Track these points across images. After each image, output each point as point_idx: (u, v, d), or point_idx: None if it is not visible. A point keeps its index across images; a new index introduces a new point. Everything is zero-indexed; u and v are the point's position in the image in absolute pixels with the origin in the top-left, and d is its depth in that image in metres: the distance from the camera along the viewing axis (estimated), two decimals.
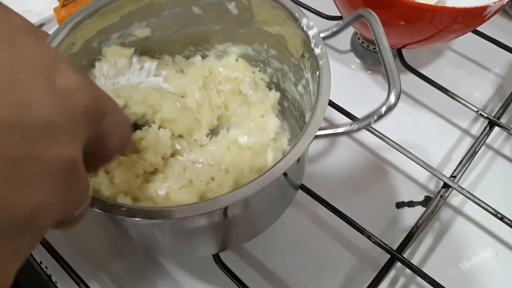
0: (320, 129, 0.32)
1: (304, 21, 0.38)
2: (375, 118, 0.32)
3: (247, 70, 0.49)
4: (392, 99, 0.32)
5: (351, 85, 0.63)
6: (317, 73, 0.35)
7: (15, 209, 0.16)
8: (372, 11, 0.37)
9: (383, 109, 0.32)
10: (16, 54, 0.18)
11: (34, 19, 0.70)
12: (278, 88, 0.50)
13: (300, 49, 0.40)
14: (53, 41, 0.37)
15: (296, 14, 0.38)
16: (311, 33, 0.37)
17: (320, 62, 0.35)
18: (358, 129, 0.32)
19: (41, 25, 0.70)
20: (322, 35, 0.39)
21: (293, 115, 0.49)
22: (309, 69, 0.40)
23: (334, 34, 0.39)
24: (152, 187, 0.40)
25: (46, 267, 0.47)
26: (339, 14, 0.60)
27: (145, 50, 0.47)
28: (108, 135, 0.23)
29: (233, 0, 0.43)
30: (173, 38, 0.48)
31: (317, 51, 0.36)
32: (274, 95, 0.49)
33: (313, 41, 0.37)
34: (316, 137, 0.32)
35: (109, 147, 0.23)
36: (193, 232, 0.37)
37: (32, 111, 0.17)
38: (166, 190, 0.39)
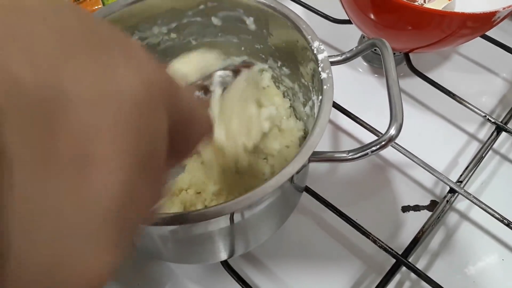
0: (316, 153, 0.32)
1: (315, 44, 0.38)
2: (373, 149, 0.32)
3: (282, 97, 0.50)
4: (393, 131, 0.32)
5: (357, 88, 0.63)
6: (320, 97, 0.36)
7: (108, 204, 0.15)
8: (385, 40, 0.37)
9: (383, 142, 0.32)
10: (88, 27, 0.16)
11: None
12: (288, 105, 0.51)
13: (310, 71, 0.41)
14: None
15: (309, 37, 0.39)
16: (320, 56, 0.37)
17: (325, 87, 0.35)
18: (353, 159, 0.32)
19: None
20: (333, 59, 0.39)
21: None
22: (315, 92, 0.40)
23: (345, 60, 0.39)
24: None
25: None
26: (347, 18, 0.60)
27: (163, 54, 0.48)
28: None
29: (251, 15, 0.44)
30: (192, 46, 0.49)
31: (323, 75, 0.36)
32: (302, 126, 0.48)
33: (321, 65, 0.37)
34: (310, 161, 0.32)
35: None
36: (200, 240, 0.37)
37: (117, 84, 0.15)
38: None
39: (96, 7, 0.64)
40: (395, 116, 0.32)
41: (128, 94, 0.15)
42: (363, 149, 0.32)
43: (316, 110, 0.38)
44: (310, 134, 0.32)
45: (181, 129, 0.19)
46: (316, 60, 0.38)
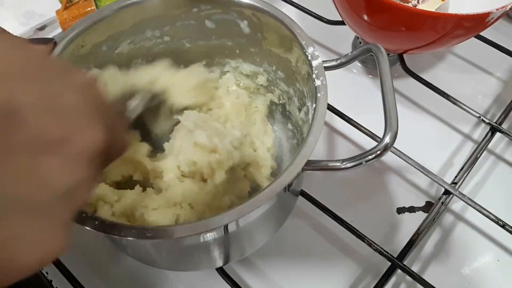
0: (310, 162, 0.32)
1: (309, 50, 0.38)
2: (368, 159, 0.32)
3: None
4: (388, 140, 0.32)
5: (352, 89, 0.63)
6: (314, 105, 0.35)
7: (56, 186, 0.19)
8: (380, 46, 0.37)
9: (378, 151, 0.32)
10: (34, 60, 0.20)
11: (37, 21, 0.71)
12: (284, 109, 0.50)
13: (304, 76, 0.40)
14: (61, 42, 0.38)
15: (303, 42, 0.38)
16: (314, 63, 0.37)
17: (319, 95, 0.35)
18: (346, 168, 0.32)
19: (43, 26, 0.71)
20: (328, 64, 0.38)
21: (296, 138, 0.49)
22: (310, 98, 0.39)
23: (340, 65, 0.39)
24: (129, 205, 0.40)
25: (47, 273, 0.47)
26: (340, 19, 0.60)
27: (156, 57, 0.48)
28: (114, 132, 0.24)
29: (245, 19, 0.43)
30: (185, 49, 0.49)
31: (318, 82, 0.36)
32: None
33: (315, 71, 0.37)
34: (304, 170, 0.32)
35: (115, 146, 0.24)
36: (195, 249, 0.37)
37: (60, 98, 0.20)
38: (142, 211, 0.39)
39: (89, 8, 0.63)
40: (390, 125, 0.32)
41: (69, 106, 0.20)
42: (357, 159, 0.32)
43: (310, 116, 0.38)
44: (304, 143, 0.32)
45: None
46: (310, 66, 0.37)
